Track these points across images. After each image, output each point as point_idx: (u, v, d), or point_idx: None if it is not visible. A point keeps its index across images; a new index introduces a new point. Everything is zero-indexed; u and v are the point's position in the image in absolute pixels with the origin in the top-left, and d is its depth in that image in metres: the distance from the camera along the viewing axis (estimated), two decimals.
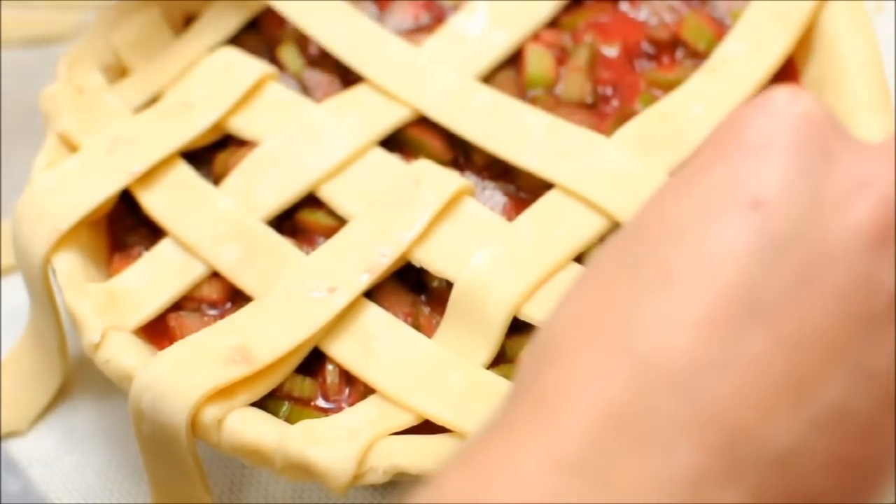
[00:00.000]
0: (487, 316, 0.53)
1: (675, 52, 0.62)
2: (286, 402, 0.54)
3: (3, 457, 0.61)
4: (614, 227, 0.55)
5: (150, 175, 0.59)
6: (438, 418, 0.51)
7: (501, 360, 0.53)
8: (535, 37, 0.63)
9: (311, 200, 0.59)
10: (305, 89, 0.63)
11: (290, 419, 0.53)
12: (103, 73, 0.64)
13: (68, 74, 0.64)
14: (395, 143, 0.60)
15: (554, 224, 0.55)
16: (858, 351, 0.34)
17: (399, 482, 0.51)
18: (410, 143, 0.60)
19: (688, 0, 0.64)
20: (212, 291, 0.57)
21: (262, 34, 0.66)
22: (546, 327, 0.37)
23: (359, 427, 0.51)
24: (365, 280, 0.55)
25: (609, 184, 0.56)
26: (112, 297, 0.56)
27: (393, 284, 0.56)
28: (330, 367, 0.54)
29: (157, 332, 0.57)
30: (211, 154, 0.62)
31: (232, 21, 0.65)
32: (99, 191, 0.58)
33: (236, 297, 0.57)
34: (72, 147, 0.61)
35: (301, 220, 0.59)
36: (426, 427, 0.51)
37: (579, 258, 0.55)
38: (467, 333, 0.53)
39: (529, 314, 0.53)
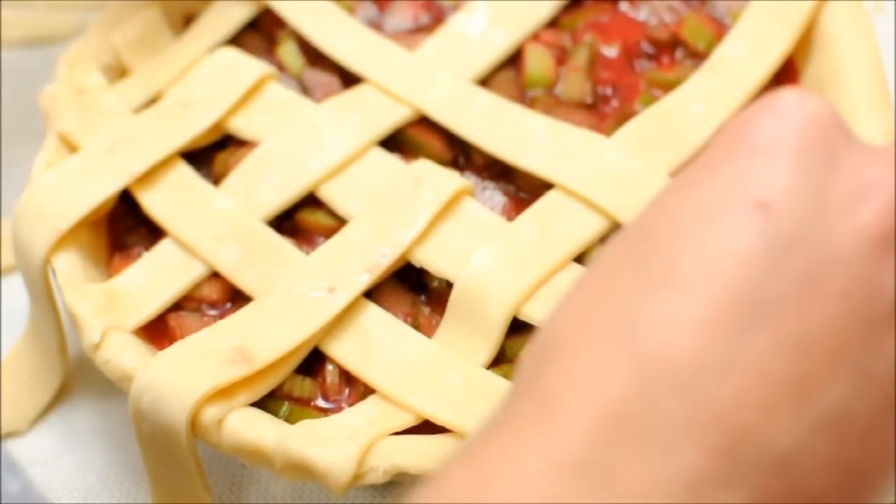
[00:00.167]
0: (487, 316, 0.53)
1: (674, 52, 0.62)
2: (286, 402, 0.54)
3: (3, 457, 0.61)
4: (614, 227, 0.55)
5: (150, 175, 0.59)
6: (438, 418, 0.51)
7: (501, 360, 0.54)
8: (535, 37, 0.63)
9: (311, 200, 0.59)
10: (305, 89, 0.63)
11: (290, 419, 0.53)
12: (103, 73, 0.64)
13: (68, 74, 0.64)
14: (395, 143, 0.60)
15: (554, 224, 0.55)
16: (860, 354, 0.34)
17: (399, 482, 0.51)
18: (410, 143, 0.60)
19: (687, 0, 0.64)
20: (212, 291, 0.57)
21: (262, 34, 0.66)
22: (548, 325, 0.37)
23: (359, 427, 0.51)
24: (365, 280, 0.55)
25: (609, 184, 0.56)
26: (112, 298, 0.56)
27: (393, 284, 0.56)
28: (330, 367, 0.54)
29: (157, 332, 0.57)
30: (211, 154, 0.62)
31: (232, 21, 0.65)
32: (99, 191, 0.58)
33: (236, 297, 0.57)
34: (72, 147, 0.61)
35: (301, 220, 0.59)
36: (426, 427, 0.51)
37: (579, 258, 0.55)
38: (467, 333, 0.53)
39: (529, 314, 0.53)
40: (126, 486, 0.59)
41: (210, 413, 0.51)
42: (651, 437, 0.33)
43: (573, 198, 0.56)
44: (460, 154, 0.60)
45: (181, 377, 0.51)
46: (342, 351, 0.54)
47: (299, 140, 0.60)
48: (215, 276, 0.57)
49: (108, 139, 0.60)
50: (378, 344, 0.54)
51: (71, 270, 0.56)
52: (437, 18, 0.65)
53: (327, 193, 0.58)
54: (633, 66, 0.62)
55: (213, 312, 0.57)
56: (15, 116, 0.73)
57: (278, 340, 0.53)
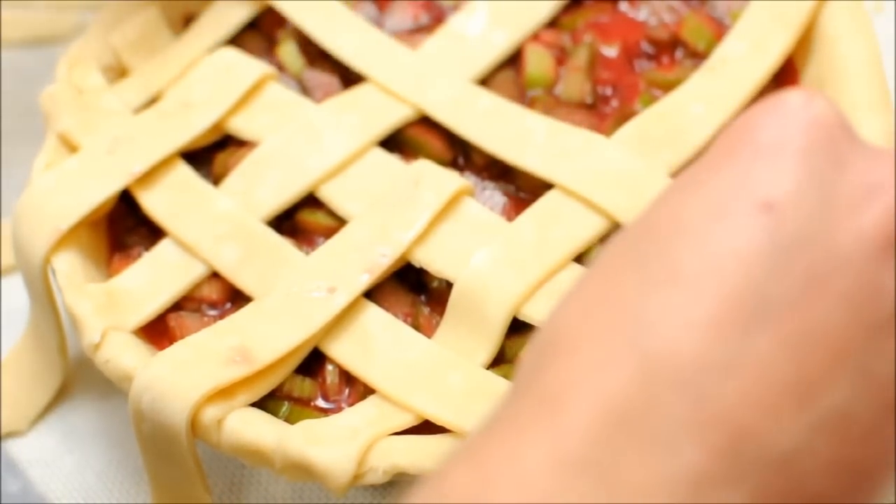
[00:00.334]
0: (487, 316, 0.53)
1: (674, 52, 0.62)
2: (286, 403, 0.54)
3: (3, 457, 0.61)
4: (614, 227, 0.55)
5: (149, 175, 0.59)
6: (438, 418, 0.51)
7: (501, 361, 0.53)
8: (535, 37, 0.63)
9: (311, 200, 0.59)
10: (305, 89, 0.63)
11: (290, 419, 0.53)
12: (103, 73, 0.64)
13: (68, 74, 0.64)
14: (395, 143, 0.60)
15: (554, 224, 0.55)
16: (862, 355, 0.34)
17: (399, 482, 0.51)
18: (410, 143, 0.60)
19: (687, 0, 0.64)
20: (212, 291, 0.57)
21: (261, 34, 0.66)
22: (550, 322, 0.37)
23: (359, 427, 0.51)
24: (365, 280, 0.55)
25: (609, 184, 0.56)
26: (112, 298, 0.56)
27: (393, 284, 0.56)
28: (330, 367, 0.54)
29: (157, 332, 0.56)
30: (211, 154, 0.62)
31: (232, 21, 0.65)
32: (99, 191, 0.58)
33: (236, 298, 0.57)
34: (72, 147, 0.61)
35: (301, 221, 0.59)
36: (426, 427, 0.51)
37: (579, 258, 0.55)
38: (467, 333, 0.53)
39: (529, 314, 0.53)
40: (126, 486, 0.59)
41: (210, 413, 0.51)
42: (653, 435, 0.33)
43: (573, 198, 0.56)
44: (460, 154, 0.60)
45: (181, 377, 0.51)
46: (342, 351, 0.54)
47: (299, 140, 0.60)
48: (215, 276, 0.57)
49: (108, 139, 0.60)
50: (378, 344, 0.54)
51: (71, 270, 0.56)
52: (437, 18, 0.65)
53: (327, 193, 0.58)
54: (633, 66, 0.62)
55: (213, 312, 0.57)
56: (15, 116, 0.73)
57: (278, 340, 0.53)
